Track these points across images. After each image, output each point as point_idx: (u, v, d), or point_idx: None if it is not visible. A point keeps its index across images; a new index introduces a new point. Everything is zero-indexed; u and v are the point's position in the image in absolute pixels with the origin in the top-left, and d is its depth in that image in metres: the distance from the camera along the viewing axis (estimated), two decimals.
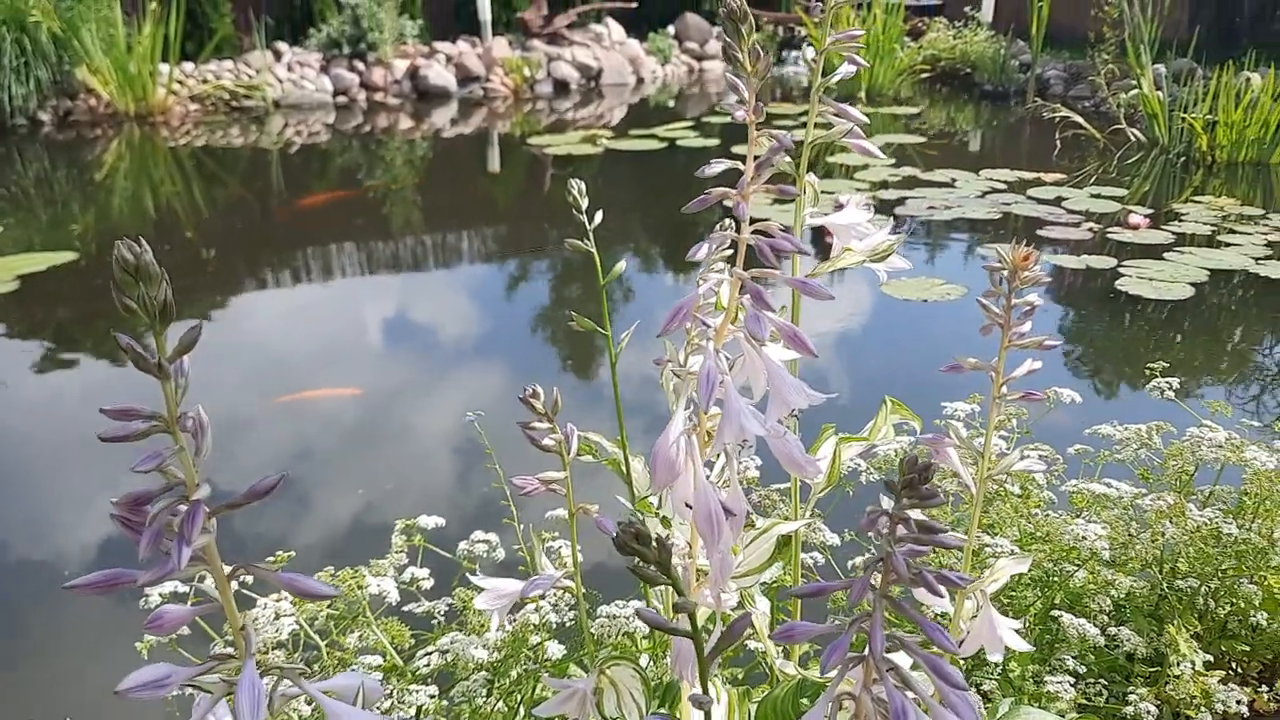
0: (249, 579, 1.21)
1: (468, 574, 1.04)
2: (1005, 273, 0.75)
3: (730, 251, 0.71)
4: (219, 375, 3.41)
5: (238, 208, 6.11)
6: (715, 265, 0.81)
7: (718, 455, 0.74)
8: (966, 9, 10.46)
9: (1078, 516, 1.37)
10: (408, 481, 2.62)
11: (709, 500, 0.67)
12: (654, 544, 0.44)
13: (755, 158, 0.65)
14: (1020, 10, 9.30)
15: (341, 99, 8.78)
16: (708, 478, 0.75)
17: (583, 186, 1.07)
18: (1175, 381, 1.57)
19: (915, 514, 0.54)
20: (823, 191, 5.49)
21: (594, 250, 1.07)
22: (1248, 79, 6.26)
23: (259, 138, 7.79)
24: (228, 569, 0.49)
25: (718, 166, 0.66)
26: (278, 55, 8.87)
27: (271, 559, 1.14)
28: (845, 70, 0.84)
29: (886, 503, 0.54)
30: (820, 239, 4.45)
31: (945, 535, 0.50)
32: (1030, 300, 0.75)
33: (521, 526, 1.16)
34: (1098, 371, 3.46)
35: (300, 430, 2.98)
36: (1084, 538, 1.21)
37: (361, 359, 3.60)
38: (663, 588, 0.88)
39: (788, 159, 0.84)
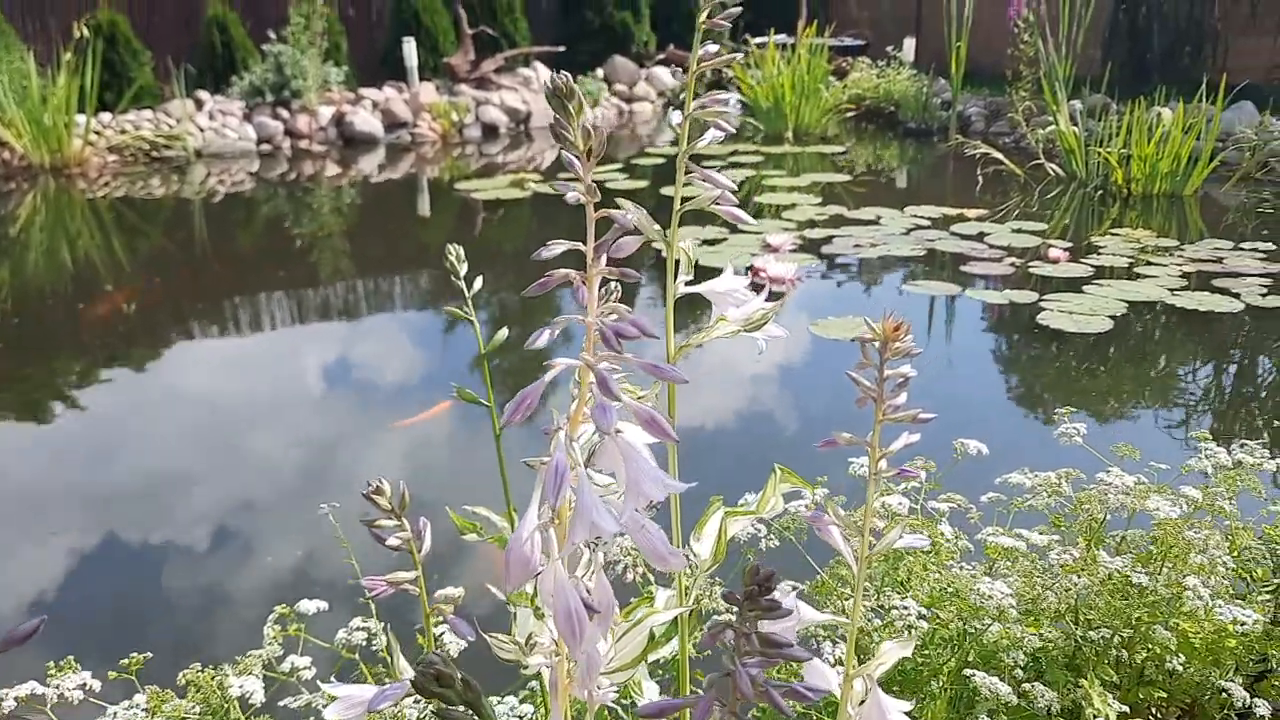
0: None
1: (373, 661, 0.98)
2: (877, 344, 0.72)
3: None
4: (155, 425, 3.30)
5: (159, 260, 5.97)
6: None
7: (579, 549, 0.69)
8: (889, 49, 10.67)
9: (988, 571, 1.35)
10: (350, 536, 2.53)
11: (568, 598, 0.63)
12: (458, 684, 0.40)
13: (595, 240, 0.61)
14: (941, 50, 9.52)
15: (265, 147, 8.66)
16: (576, 571, 0.71)
17: (460, 252, 1.03)
18: (1082, 426, 1.57)
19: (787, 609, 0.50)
20: (751, 231, 5.55)
21: (473, 319, 1.03)
22: (1158, 114, 6.44)
23: (181, 188, 7.65)
24: None
25: (557, 248, 0.62)
26: (199, 104, 8.73)
27: (126, 660, 1.06)
28: (713, 135, 0.81)
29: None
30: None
31: (792, 649, 0.46)
32: (904, 372, 0.73)
33: (382, 624, 1.10)
34: (1019, 409, 3.49)
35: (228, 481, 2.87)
36: (990, 596, 1.19)
37: (300, 408, 3.51)
38: (562, 676, 0.83)
39: (657, 226, 0.81)
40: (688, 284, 0.83)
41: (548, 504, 0.60)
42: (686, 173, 0.79)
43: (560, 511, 0.66)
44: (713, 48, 0.77)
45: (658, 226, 0.80)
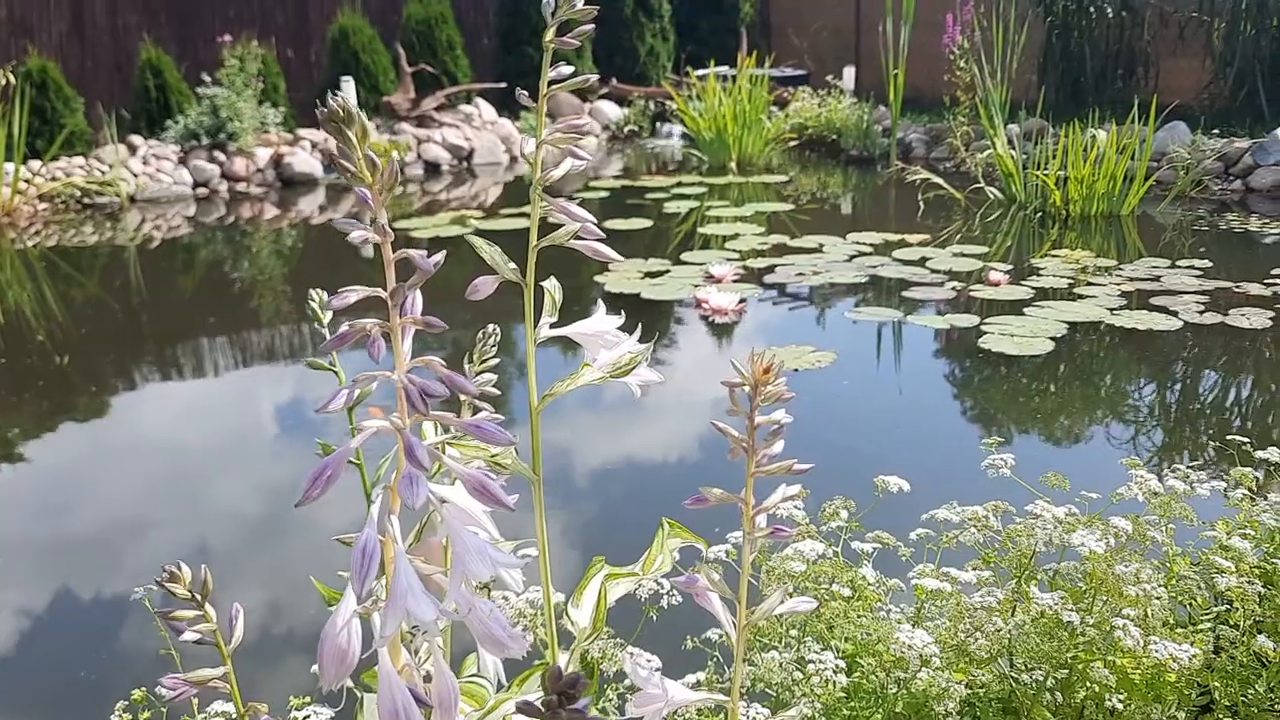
0: None
1: None
2: (746, 389, 0.65)
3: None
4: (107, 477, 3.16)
5: (92, 308, 5.81)
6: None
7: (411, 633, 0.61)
8: (829, 78, 10.77)
9: (918, 612, 1.28)
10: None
11: (394, 693, 0.55)
12: None
13: (394, 285, 0.54)
14: (880, 78, 9.61)
15: (202, 190, 8.50)
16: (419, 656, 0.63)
17: (324, 298, 0.96)
18: (1010, 457, 1.51)
19: None
20: (694, 262, 5.51)
21: (337, 370, 0.95)
22: (1093, 136, 6.52)
23: (114, 235, 7.48)
24: None
25: (351, 296, 0.55)
26: (132, 149, 8.57)
27: None
28: (571, 164, 0.74)
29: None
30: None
31: None
32: (777, 419, 0.66)
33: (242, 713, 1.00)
34: (958, 435, 3.45)
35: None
36: (912, 646, 1.12)
37: (249, 453, 3.40)
38: None
39: (512, 265, 0.74)
40: (553, 326, 0.76)
41: (356, 589, 0.52)
42: (543, 205, 0.72)
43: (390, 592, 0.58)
44: (566, 69, 0.71)
45: (514, 265, 0.73)
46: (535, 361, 0.75)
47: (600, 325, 0.77)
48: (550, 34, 0.68)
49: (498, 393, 0.99)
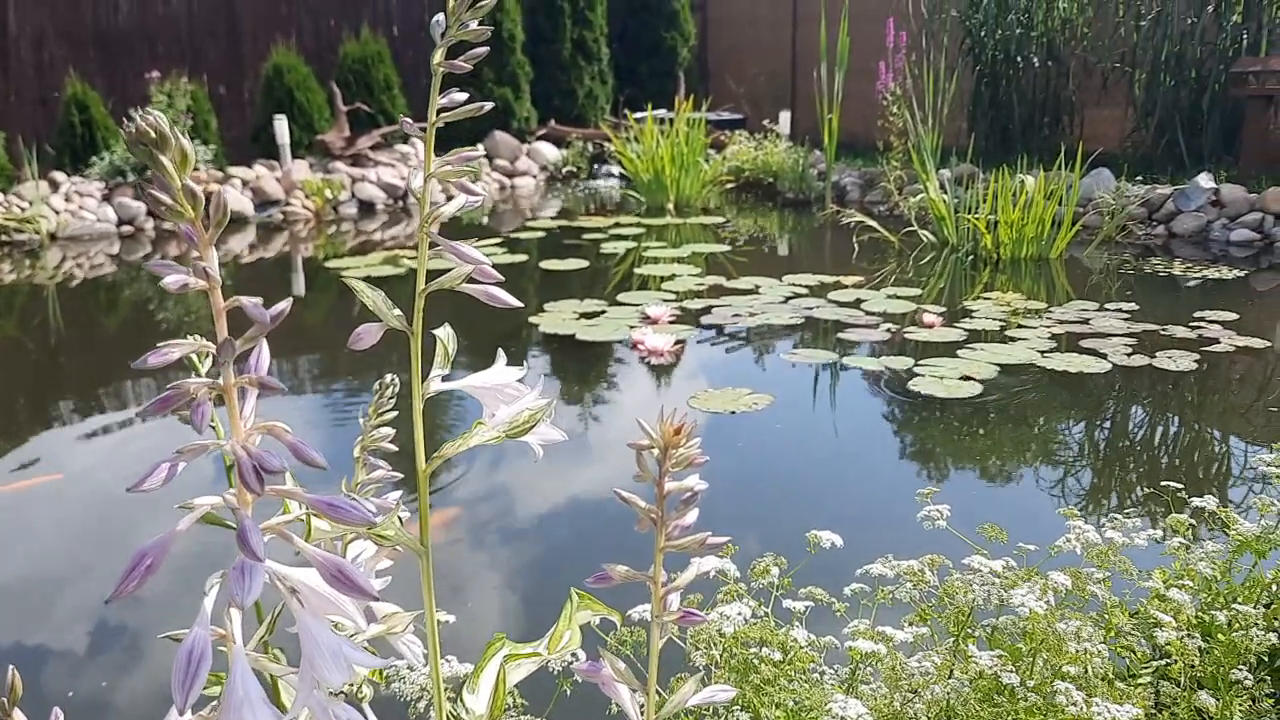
0: None
1: None
2: (655, 453, 0.58)
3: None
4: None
5: (6, 350, 5.58)
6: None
7: None
8: (765, 122, 10.88)
9: (852, 674, 1.22)
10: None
11: None
12: None
13: (224, 339, 0.46)
14: (815, 122, 9.72)
15: (127, 228, 8.28)
16: None
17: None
18: (946, 508, 1.46)
19: None
20: (631, 303, 5.46)
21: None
22: (1022, 181, 6.63)
23: (34, 273, 7.23)
24: None
25: (173, 353, 0.47)
26: (54, 185, 8.33)
27: None
28: (467, 200, 0.67)
29: None
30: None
31: None
32: (689, 485, 0.59)
33: None
34: (897, 479, 3.41)
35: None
36: (845, 719, 1.05)
37: (172, 497, 3.23)
38: None
39: (398, 311, 0.67)
40: (445, 379, 0.69)
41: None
42: (431, 246, 0.65)
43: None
44: (460, 96, 0.64)
45: (399, 311, 0.66)
46: (424, 419, 0.68)
47: (499, 378, 0.70)
48: (439, 55, 0.61)
49: (395, 449, 0.91)
